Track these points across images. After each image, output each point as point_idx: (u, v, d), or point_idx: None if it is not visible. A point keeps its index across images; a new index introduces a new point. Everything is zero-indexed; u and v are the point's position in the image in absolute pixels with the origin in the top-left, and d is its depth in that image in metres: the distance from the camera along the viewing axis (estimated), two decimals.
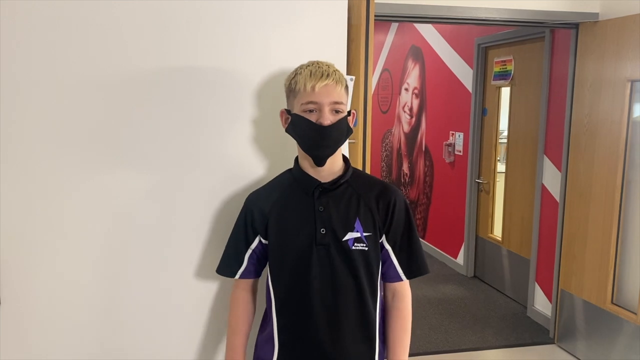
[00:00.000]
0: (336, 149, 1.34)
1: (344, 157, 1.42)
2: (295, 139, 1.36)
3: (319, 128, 1.28)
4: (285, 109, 1.38)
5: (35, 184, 1.44)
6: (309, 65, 1.32)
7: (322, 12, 1.56)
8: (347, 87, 1.34)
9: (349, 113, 1.35)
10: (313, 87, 1.28)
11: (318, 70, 1.29)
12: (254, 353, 1.48)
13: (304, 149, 1.34)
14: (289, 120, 1.35)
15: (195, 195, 1.54)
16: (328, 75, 1.29)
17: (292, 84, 1.33)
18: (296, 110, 1.32)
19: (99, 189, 1.48)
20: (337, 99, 1.29)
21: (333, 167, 1.37)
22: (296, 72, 1.33)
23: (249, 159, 1.57)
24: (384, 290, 1.45)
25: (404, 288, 1.43)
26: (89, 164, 1.46)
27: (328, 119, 1.28)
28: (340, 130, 1.31)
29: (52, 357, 1.50)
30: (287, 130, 1.37)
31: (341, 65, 1.57)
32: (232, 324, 1.45)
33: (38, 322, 1.49)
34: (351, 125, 1.37)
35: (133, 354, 1.56)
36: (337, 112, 1.30)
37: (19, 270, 1.46)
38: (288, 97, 1.37)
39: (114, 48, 1.44)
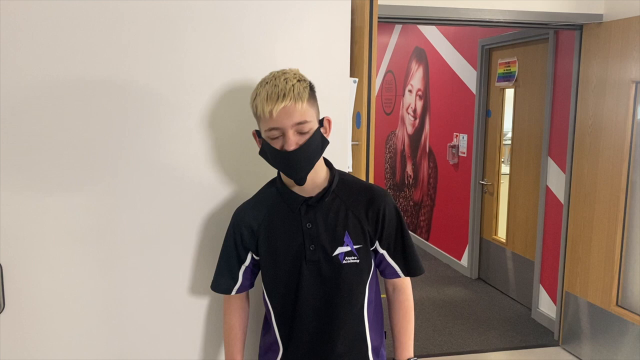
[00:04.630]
0: (312, 167, 1.26)
1: (327, 162, 1.37)
2: (269, 163, 1.30)
3: (284, 155, 1.21)
4: (256, 130, 1.31)
5: (36, 187, 1.44)
6: (267, 83, 1.22)
7: (325, 14, 1.56)
8: (311, 98, 1.23)
9: (322, 123, 1.27)
10: (271, 112, 1.18)
11: (274, 91, 1.18)
12: (259, 355, 1.49)
13: (280, 172, 1.31)
14: (261, 142, 1.29)
15: (193, 200, 1.54)
16: (284, 95, 1.17)
17: (254, 107, 1.24)
18: (263, 135, 1.25)
19: (101, 193, 1.48)
20: (298, 120, 1.19)
21: (315, 180, 1.31)
22: (256, 94, 1.23)
23: (246, 164, 1.56)
24: (385, 282, 1.46)
25: (404, 282, 1.45)
26: (90, 166, 1.47)
27: (293, 143, 1.19)
28: (310, 150, 1.22)
29: (55, 358, 1.51)
30: (260, 154, 1.31)
31: (344, 67, 1.57)
32: (227, 333, 1.45)
33: (41, 325, 1.49)
34: (327, 134, 1.30)
35: (136, 354, 1.56)
36: (303, 132, 1.21)
37: (23, 274, 1.46)
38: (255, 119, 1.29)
39: (113, 50, 1.44)
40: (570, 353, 3.39)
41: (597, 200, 3.08)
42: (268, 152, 1.26)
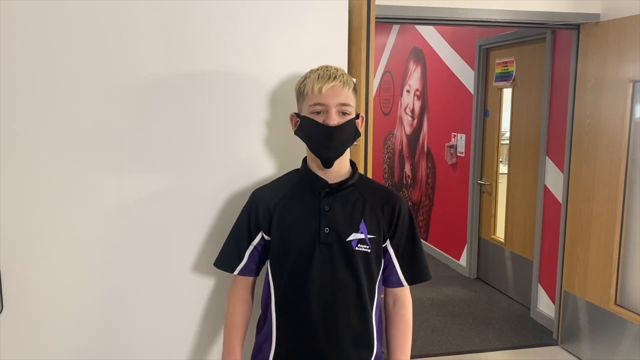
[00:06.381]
0: (343, 151, 1.36)
1: (351, 161, 1.44)
2: (303, 141, 1.38)
3: (325, 128, 1.30)
4: (295, 113, 1.40)
5: (38, 186, 1.44)
6: (318, 69, 1.36)
7: (323, 15, 1.56)
8: (355, 89, 1.36)
9: (357, 116, 1.37)
10: (320, 89, 1.30)
11: (325, 73, 1.32)
12: (252, 351, 1.47)
13: (312, 150, 1.36)
14: (298, 122, 1.37)
15: (200, 196, 1.54)
16: (335, 77, 1.31)
17: (302, 87, 1.36)
18: (304, 112, 1.35)
19: (102, 191, 1.48)
20: (343, 101, 1.31)
21: (340, 169, 1.38)
22: (305, 77, 1.37)
23: (251, 160, 1.57)
24: (385, 295, 1.46)
25: (405, 294, 1.45)
26: (93, 166, 1.47)
27: (334, 119, 1.30)
28: (347, 132, 1.33)
29: (54, 359, 1.51)
30: (296, 133, 1.40)
31: (342, 67, 1.58)
32: (229, 322, 1.45)
33: (40, 326, 1.49)
34: (360, 128, 1.39)
35: (136, 354, 1.56)
36: (344, 114, 1.32)
37: (22, 274, 1.46)
38: (298, 100, 1.39)
39: (120, 52, 1.44)
40: (569, 352, 3.39)
41: (596, 200, 3.08)
42: (308, 127, 1.34)
